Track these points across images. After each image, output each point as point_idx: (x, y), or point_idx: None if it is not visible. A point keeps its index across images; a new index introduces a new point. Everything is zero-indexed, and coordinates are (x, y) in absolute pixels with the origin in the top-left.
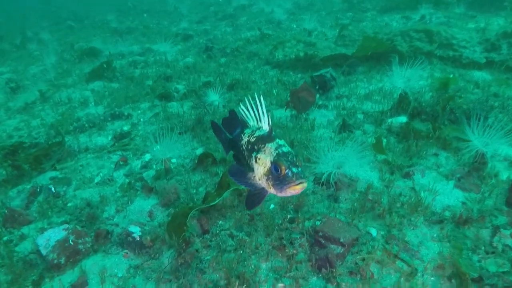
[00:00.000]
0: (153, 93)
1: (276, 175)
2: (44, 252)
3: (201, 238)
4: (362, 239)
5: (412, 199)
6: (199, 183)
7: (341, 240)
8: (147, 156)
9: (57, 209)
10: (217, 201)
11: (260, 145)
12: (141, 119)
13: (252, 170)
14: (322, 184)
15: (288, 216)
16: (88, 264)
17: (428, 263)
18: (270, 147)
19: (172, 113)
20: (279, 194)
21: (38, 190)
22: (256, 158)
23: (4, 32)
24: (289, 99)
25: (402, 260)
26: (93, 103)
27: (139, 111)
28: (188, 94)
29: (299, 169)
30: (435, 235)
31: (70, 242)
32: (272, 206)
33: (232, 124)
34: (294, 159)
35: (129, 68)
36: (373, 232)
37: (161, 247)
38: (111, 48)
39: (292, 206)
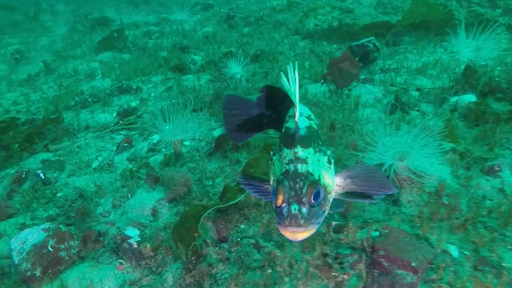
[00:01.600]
0: (167, 65)
1: (275, 202)
2: (16, 260)
3: (217, 248)
4: (439, 261)
5: (504, 205)
6: (215, 173)
7: (413, 264)
8: (155, 137)
9: (44, 200)
10: (238, 198)
11: (280, 145)
12: (152, 94)
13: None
14: None
15: (333, 223)
16: (71, 276)
17: None
18: (285, 155)
19: (187, 87)
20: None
21: (23, 176)
22: (271, 161)
23: (18, 3)
24: (326, 71)
25: None
26: (100, 76)
27: (150, 85)
28: (206, 66)
29: (304, 209)
30: None
31: (49, 248)
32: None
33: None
34: (303, 190)
35: (142, 39)
36: (453, 251)
37: (165, 257)
38: (126, 19)
39: None
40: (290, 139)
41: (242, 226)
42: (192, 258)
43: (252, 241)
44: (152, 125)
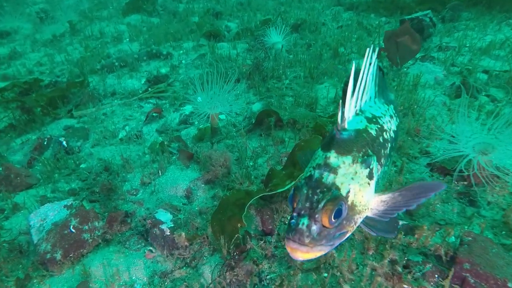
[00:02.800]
0: (199, 31)
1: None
2: (35, 238)
3: (261, 242)
4: None
5: None
6: (257, 153)
7: (510, 285)
8: (188, 108)
9: (67, 171)
10: (288, 186)
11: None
12: (183, 61)
13: None
14: (445, 173)
15: (401, 223)
16: (94, 262)
17: None
18: (316, 157)
19: (221, 55)
20: None
21: (45, 143)
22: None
23: None
24: (380, 46)
25: None
26: (127, 39)
27: (181, 51)
28: (242, 34)
29: (314, 227)
30: None
31: (71, 229)
32: None
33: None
34: (319, 204)
35: (172, 3)
36: None
37: (202, 249)
38: None
39: None
40: (328, 140)
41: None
42: (235, 253)
43: None
44: (185, 94)
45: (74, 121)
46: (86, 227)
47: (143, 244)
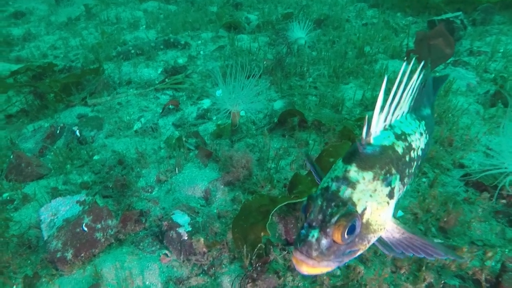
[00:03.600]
0: (219, 22)
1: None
2: (45, 235)
3: (285, 252)
4: None
5: None
6: (280, 155)
7: None
8: (206, 102)
9: (79, 163)
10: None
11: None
12: (201, 52)
13: None
14: (482, 189)
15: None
16: (106, 263)
17: None
18: (336, 168)
19: (241, 48)
20: None
21: (58, 131)
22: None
23: None
24: (409, 47)
25: None
26: (144, 26)
27: (199, 42)
28: (262, 27)
29: (323, 241)
30: None
31: (83, 227)
32: (400, 213)
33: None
34: (333, 219)
35: None
36: None
37: (221, 256)
38: None
39: (434, 219)
40: (350, 152)
41: None
42: (257, 264)
43: None
44: (203, 87)
45: (88, 109)
46: (99, 225)
47: (157, 247)
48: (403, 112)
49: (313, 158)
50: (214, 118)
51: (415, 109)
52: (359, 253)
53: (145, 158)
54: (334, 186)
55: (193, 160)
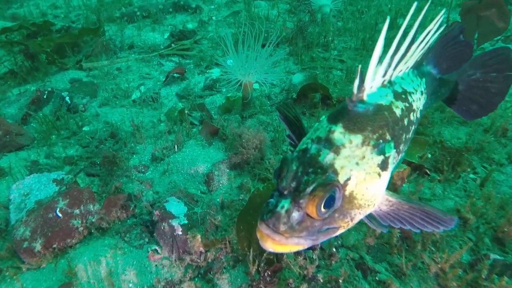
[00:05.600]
0: None
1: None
2: (13, 218)
3: (300, 258)
4: None
5: None
6: None
7: None
8: (215, 72)
9: (66, 133)
10: None
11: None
12: (214, 17)
13: None
14: None
15: (491, 256)
16: (83, 257)
17: None
18: (319, 127)
19: (258, 14)
20: None
21: (45, 96)
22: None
23: None
24: (449, 20)
25: None
26: None
27: (212, 6)
28: None
29: (295, 214)
30: None
31: (57, 212)
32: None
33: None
34: (307, 188)
35: None
36: None
37: (221, 257)
38: None
39: (489, 227)
40: (338, 110)
41: None
42: (266, 273)
43: (354, 256)
44: (213, 54)
45: (83, 74)
46: (77, 211)
47: (146, 240)
48: (407, 68)
49: (288, 109)
50: (224, 90)
51: (417, 64)
52: (339, 232)
53: (141, 132)
54: (313, 148)
55: (196, 136)
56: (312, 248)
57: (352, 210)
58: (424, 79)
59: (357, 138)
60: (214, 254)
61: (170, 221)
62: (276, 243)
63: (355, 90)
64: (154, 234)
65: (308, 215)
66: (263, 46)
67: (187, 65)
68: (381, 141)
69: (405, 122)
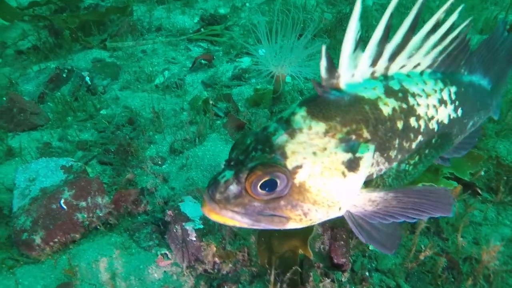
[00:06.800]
0: None
1: None
2: (15, 205)
3: (327, 280)
4: None
5: None
6: None
7: None
8: (245, 61)
9: (83, 116)
10: None
11: None
12: (247, 4)
13: None
14: None
15: None
16: (86, 256)
17: None
18: (288, 109)
19: (295, 3)
20: None
21: (64, 75)
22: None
23: None
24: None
25: None
26: None
27: None
28: None
29: (233, 187)
30: None
31: (61, 203)
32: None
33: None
34: (247, 164)
35: None
36: None
37: (240, 269)
38: None
39: None
40: (311, 95)
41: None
42: None
43: (390, 283)
44: (244, 42)
45: (106, 54)
46: (84, 203)
47: (156, 242)
48: (418, 64)
49: None
50: (253, 81)
51: (446, 68)
52: (290, 224)
53: (161, 119)
54: (272, 127)
55: (219, 130)
56: (341, 270)
57: (304, 203)
58: (455, 87)
59: (319, 126)
60: (230, 266)
61: (183, 224)
62: (211, 211)
63: (323, 73)
64: (166, 236)
65: (247, 191)
66: (299, 37)
67: (216, 52)
68: (353, 136)
69: (399, 125)
